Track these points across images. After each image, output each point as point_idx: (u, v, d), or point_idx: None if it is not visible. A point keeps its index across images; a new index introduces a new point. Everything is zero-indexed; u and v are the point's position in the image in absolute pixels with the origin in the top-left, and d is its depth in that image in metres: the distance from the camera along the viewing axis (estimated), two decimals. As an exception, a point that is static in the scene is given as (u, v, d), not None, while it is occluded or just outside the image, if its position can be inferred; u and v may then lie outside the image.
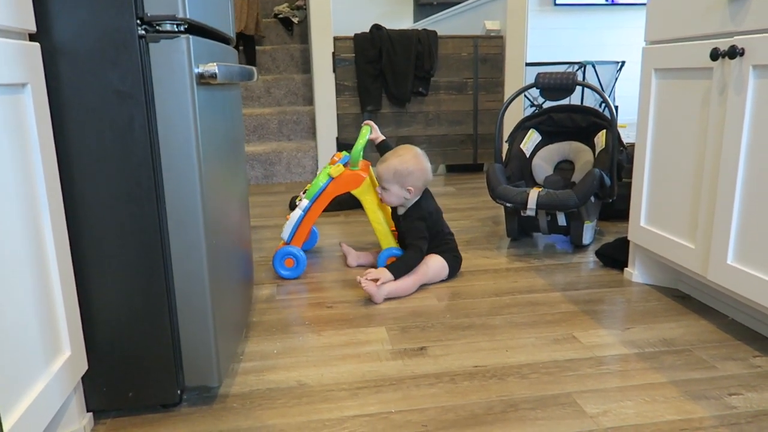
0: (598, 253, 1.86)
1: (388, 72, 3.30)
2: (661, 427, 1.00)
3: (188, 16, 0.91)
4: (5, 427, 0.72)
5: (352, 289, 1.66)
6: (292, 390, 1.14)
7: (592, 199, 1.91)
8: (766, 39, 1.11)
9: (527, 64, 3.52)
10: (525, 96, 3.64)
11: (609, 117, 2.01)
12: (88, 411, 1.01)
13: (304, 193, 1.82)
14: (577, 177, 2.08)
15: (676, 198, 1.43)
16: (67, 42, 0.87)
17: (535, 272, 1.77)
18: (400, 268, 1.61)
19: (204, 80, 0.96)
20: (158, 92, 0.91)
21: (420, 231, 1.67)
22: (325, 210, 1.86)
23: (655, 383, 1.13)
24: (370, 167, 1.84)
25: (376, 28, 3.32)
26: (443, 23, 4.52)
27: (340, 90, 3.35)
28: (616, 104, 3.90)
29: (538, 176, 2.15)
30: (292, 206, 2.42)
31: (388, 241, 1.75)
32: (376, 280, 1.54)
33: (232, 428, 1.02)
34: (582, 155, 2.11)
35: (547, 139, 2.20)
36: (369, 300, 1.56)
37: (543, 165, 2.17)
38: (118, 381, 1.01)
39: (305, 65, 4.16)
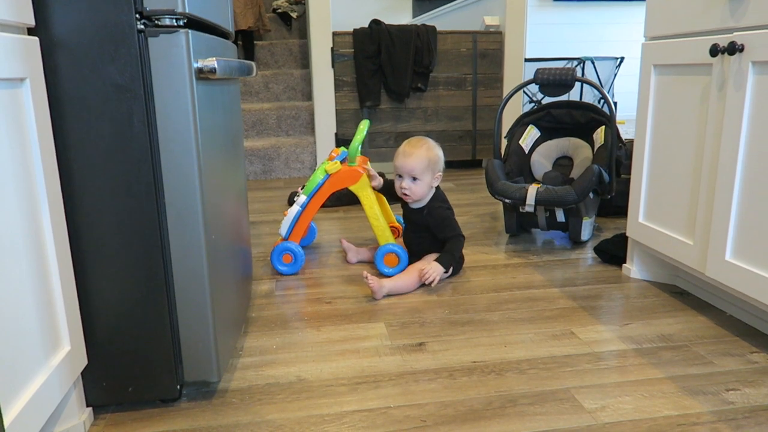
0: (596, 249, 1.86)
1: (387, 67, 3.29)
2: (658, 422, 1.00)
3: (187, 11, 0.91)
4: (5, 422, 0.72)
5: (351, 284, 1.66)
6: (292, 385, 1.14)
7: (591, 195, 1.91)
8: (765, 35, 1.11)
9: (526, 60, 3.51)
10: (524, 92, 3.63)
11: (608, 113, 2.01)
12: (87, 406, 1.02)
13: (302, 189, 1.82)
14: (575, 173, 2.08)
15: (674, 194, 1.43)
16: (65, 36, 0.86)
17: (533, 268, 1.78)
18: (448, 260, 1.64)
19: (203, 75, 0.96)
20: (157, 87, 0.91)
21: (451, 220, 1.69)
22: (324, 205, 1.85)
23: (653, 379, 1.14)
24: (368, 163, 1.84)
25: (375, 23, 3.31)
26: (442, 18, 4.51)
27: (339, 85, 3.35)
28: (615, 100, 3.90)
29: (537, 172, 2.15)
30: (291, 202, 2.41)
31: (385, 238, 1.75)
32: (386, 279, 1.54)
33: (232, 423, 1.03)
34: (581, 151, 2.11)
35: (546, 135, 2.20)
36: (368, 296, 1.56)
37: (542, 161, 2.17)
38: (117, 376, 1.01)
39: (304, 60, 4.15)
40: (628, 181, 1.63)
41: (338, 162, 1.78)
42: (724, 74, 1.22)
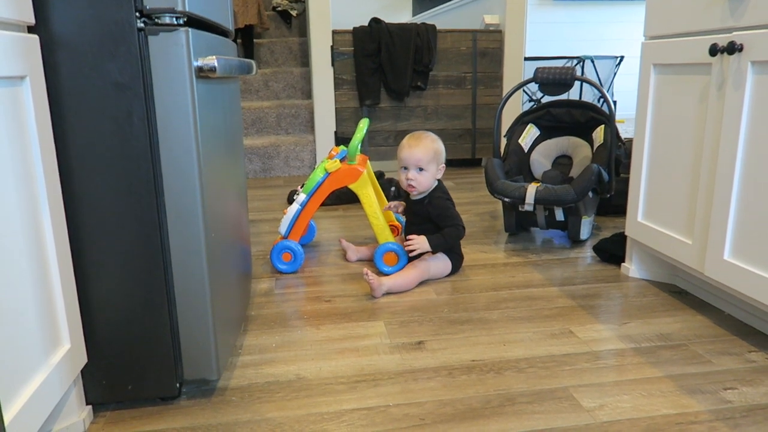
0: (595, 248, 1.86)
1: (386, 66, 3.29)
2: (657, 421, 1.00)
3: (187, 9, 0.91)
4: (6, 420, 0.73)
5: (350, 283, 1.67)
6: (291, 383, 1.14)
7: (590, 194, 1.92)
8: (765, 35, 1.11)
9: (526, 59, 3.51)
10: (523, 91, 3.63)
11: (607, 112, 2.01)
12: (87, 404, 1.02)
13: (301, 187, 1.82)
14: (575, 172, 2.08)
15: (673, 193, 1.43)
16: (65, 34, 0.86)
17: (532, 267, 1.78)
18: (438, 242, 1.66)
19: (203, 74, 0.96)
20: (157, 85, 0.91)
21: (452, 211, 1.70)
22: (323, 204, 1.85)
23: (652, 378, 1.14)
24: (368, 161, 1.84)
25: (375, 21, 3.31)
26: (442, 17, 4.51)
27: (338, 84, 3.35)
28: (615, 99, 3.90)
29: (537, 171, 2.15)
30: (291, 200, 2.42)
31: (384, 236, 1.75)
32: (377, 276, 1.54)
33: (231, 421, 1.03)
34: (580, 150, 2.12)
35: (546, 134, 2.20)
36: (367, 294, 1.57)
37: (541, 160, 2.17)
38: (117, 374, 1.01)
39: (304, 59, 4.15)
40: (627, 180, 1.63)
41: (338, 160, 1.78)
42: (724, 74, 1.22)
